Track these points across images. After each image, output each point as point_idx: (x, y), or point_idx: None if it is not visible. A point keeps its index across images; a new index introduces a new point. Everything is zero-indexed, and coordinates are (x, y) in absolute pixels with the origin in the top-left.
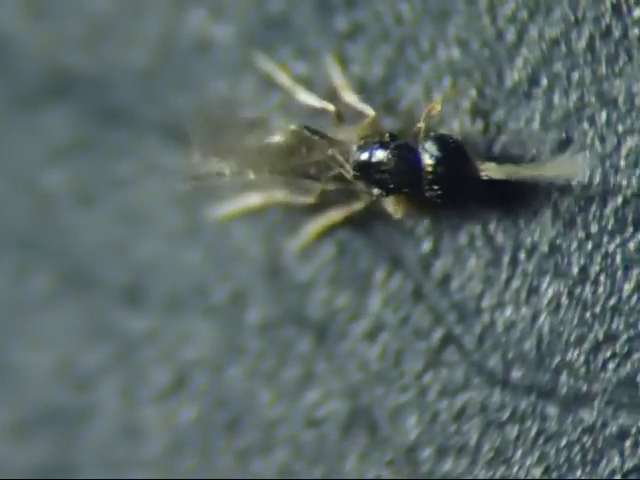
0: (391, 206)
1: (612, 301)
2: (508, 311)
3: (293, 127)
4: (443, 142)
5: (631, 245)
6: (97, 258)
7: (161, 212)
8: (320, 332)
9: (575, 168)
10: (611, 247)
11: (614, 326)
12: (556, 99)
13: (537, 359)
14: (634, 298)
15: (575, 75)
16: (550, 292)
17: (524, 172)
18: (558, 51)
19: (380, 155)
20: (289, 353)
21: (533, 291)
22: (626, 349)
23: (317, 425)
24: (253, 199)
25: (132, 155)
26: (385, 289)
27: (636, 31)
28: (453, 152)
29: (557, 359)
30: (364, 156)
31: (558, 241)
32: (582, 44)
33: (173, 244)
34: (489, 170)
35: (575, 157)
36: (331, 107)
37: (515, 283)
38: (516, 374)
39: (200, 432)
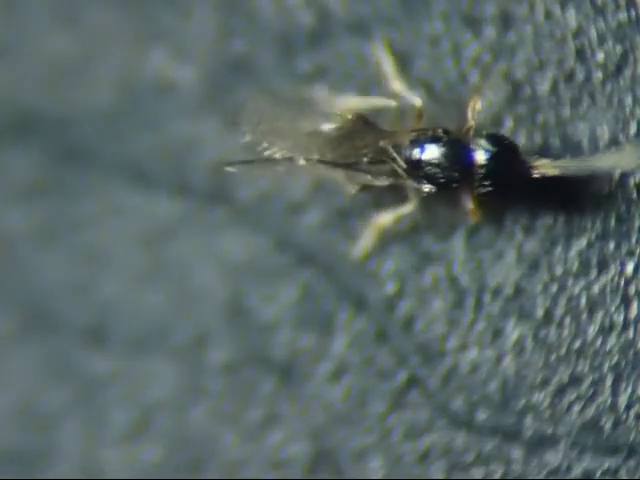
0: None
1: (577, 344)
2: (472, 353)
3: (349, 116)
4: (496, 139)
5: (595, 288)
6: (59, 299)
7: (123, 253)
8: (284, 373)
9: (628, 159)
10: (576, 289)
11: (579, 369)
12: (520, 141)
13: (502, 401)
14: (598, 341)
15: (539, 118)
16: (515, 334)
17: (577, 166)
18: (522, 94)
19: (433, 150)
20: (253, 394)
21: (498, 333)
22: (591, 392)
23: (281, 467)
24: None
25: (94, 195)
26: (349, 330)
27: (599, 74)
28: (506, 149)
29: (522, 401)
30: (416, 150)
31: (523, 283)
32: (546, 87)
33: (135, 285)
34: (543, 167)
35: (626, 149)
36: (393, 103)
37: (480, 325)
38: (481, 416)
39: (163, 474)
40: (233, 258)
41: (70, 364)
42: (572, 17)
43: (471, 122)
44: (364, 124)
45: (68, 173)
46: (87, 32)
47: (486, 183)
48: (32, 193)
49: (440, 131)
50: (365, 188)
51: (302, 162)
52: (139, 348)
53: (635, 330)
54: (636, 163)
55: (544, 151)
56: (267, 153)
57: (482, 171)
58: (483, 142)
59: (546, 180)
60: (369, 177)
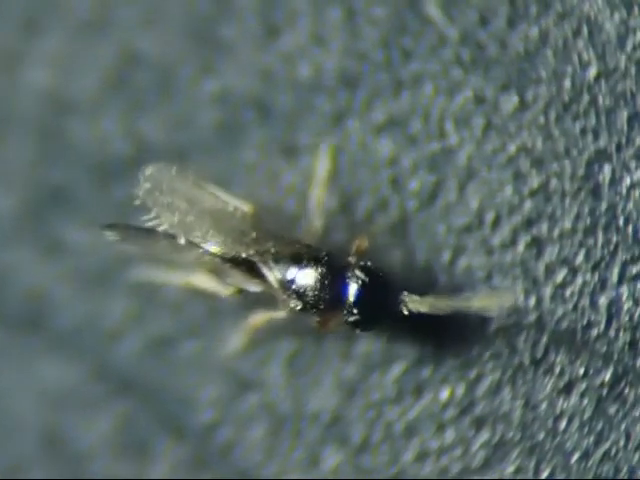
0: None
1: (393, 470)
2: None
3: (246, 209)
4: (371, 273)
5: (411, 414)
6: None
7: None
8: None
9: (500, 300)
10: (392, 416)
11: None
12: None
13: None
14: (415, 467)
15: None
16: (333, 461)
17: (447, 304)
18: (337, 222)
19: (311, 270)
20: None
21: (315, 460)
22: None
23: None
24: (177, 277)
25: None
26: (167, 459)
27: (413, 203)
28: (378, 284)
29: None
30: (295, 266)
31: (340, 410)
32: (361, 215)
33: None
34: (412, 303)
35: (500, 290)
36: (247, 208)
37: (298, 452)
38: None
39: None
40: (49, 387)
41: None
42: (386, 147)
43: (351, 258)
44: (256, 222)
45: None
46: None
47: (354, 312)
48: None
49: (323, 254)
50: (238, 291)
51: (182, 241)
52: None
53: (450, 456)
54: (505, 307)
55: None
56: (151, 224)
57: (351, 301)
58: (358, 273)
59: None
60: (242, 276)
